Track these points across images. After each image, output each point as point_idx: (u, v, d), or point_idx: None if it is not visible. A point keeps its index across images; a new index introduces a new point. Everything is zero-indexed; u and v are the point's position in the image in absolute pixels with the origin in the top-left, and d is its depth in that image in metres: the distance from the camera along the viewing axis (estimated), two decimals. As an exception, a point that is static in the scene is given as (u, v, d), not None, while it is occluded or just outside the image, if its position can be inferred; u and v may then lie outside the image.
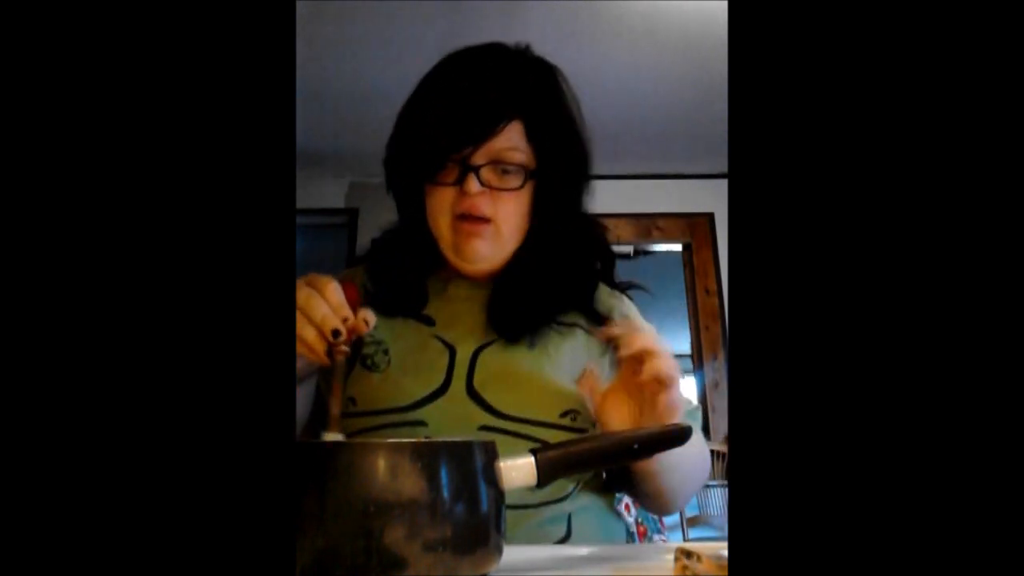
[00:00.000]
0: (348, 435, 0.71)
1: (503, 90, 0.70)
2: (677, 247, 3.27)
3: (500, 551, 0.43)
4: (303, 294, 0.52)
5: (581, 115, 0.77)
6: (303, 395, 0.67)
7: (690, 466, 0.71)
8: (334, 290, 0.53)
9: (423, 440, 0.42)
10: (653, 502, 0.73)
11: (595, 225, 0.81)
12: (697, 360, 3.09)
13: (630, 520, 0.85)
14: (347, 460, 0.39)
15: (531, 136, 0.72)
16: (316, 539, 0.37)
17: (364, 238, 3.07)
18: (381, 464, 0.39)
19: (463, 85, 0.71)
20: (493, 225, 0.71)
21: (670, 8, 2.06)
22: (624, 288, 0.83)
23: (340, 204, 3.20)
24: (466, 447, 0.43)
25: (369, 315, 0.54)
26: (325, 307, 0.52)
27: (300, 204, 3.06)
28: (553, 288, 0.76)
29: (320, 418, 0.75)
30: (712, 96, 2.47)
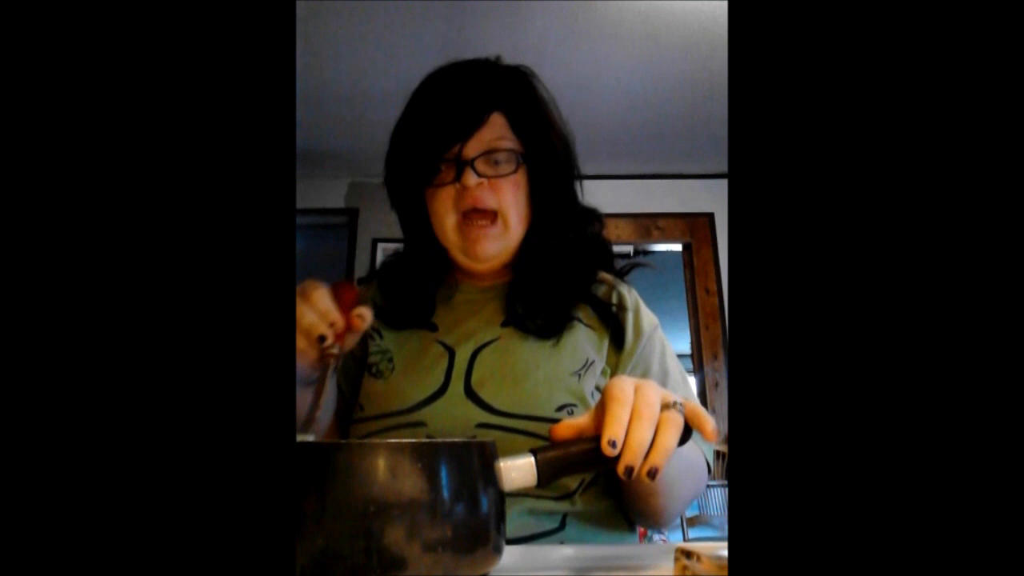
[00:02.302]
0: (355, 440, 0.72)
1: (483, 87, 0.75)
2: (677, 247, 3.27)
3: (500, 551, 0.43)
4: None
5: (558, 109, 0.81)
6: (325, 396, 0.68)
7: (689, 482, 0.71)
8: (321, 297, 0.55)
9: (423, 440, 0.42)
10: (648, 519, 0.73)
11: (593, 216, 0.83)
12: (697, 360, 3.08)
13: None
14: (347, 460, 0.39)
15: (515, 126, 0.75)
16: (316, 539, 0.37)
17: (364, 238, 3.07)
18: (381, 464, 0.39)
19: (443, 90, 0.75)
20: (497, 217, 0.74)
21: (670, 9, 2.06)
22: (624, 273, 0.85)
23: (340, 204, 3.20)
24: (466, 447, 0.43)
25: (364, 311, 0.56)
26: (311, 314, 0.54)
27: (300, 204, 3.07)
28: (565, 280, 0.78)
29: (347, 419, 0.77)
30: (712, 96, 2.47)
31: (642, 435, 0.45)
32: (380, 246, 3.05)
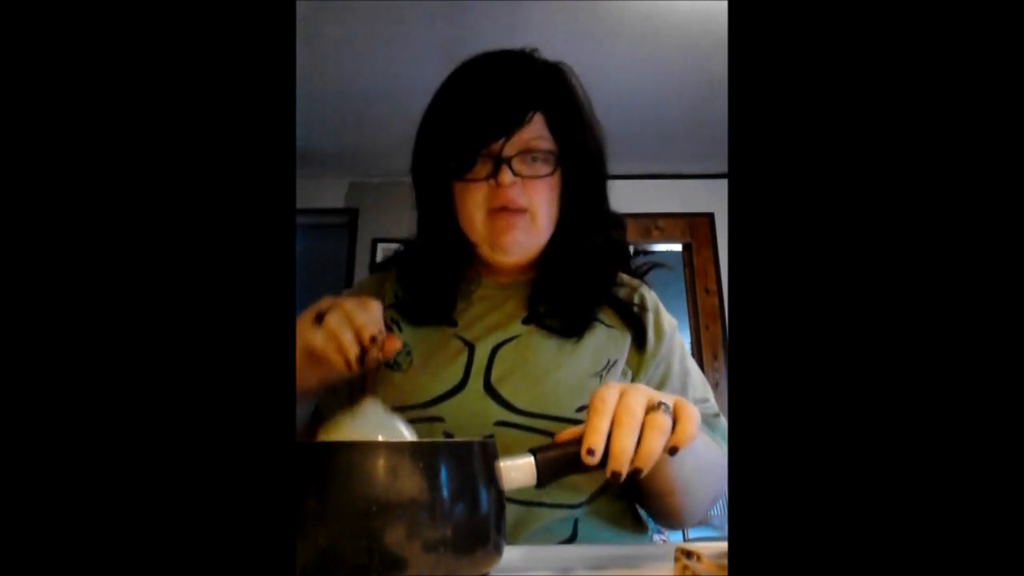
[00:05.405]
0: None
1: (524, 84, 0.74)
2: (677, 247, 3.27)
3: (500, 551, 0.43)
4: (348, 304, 0.58)
5: (592, 108, 0.80)
6: (304, 412, 0.69)
7: (709, 480, 0.70)
8: (376, 307, 0.59)
9: (423, 440, 0.42)
10: (668, 519, 0.73)
11: (618, 220, 0.83)
12: (697, 360, 3.08)
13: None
14: (348, 460, 0.39)
15: (553, 126, 0.74)
16: (317, 539, 0.37)
17: (364, 238, 3.07)
18: (381, 464, 0.39)
19: (485, 84, 0.74)
20: (528, 215, 0.74)
21: (671, 8, 2.05)
22: (643, 273, 0.85)
23: (340, 204, 3.20)
24: (466, 447, 0.43)
25: (396, 342, 0.60)
26: (366, 316, 0.57)
27: (300, 204, 3.06)
28: (588, 283, 0.78)
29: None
30: (712, 96, 2.47)
31: (623, 443, 0.46)
32: (380, 246, 3.05)
